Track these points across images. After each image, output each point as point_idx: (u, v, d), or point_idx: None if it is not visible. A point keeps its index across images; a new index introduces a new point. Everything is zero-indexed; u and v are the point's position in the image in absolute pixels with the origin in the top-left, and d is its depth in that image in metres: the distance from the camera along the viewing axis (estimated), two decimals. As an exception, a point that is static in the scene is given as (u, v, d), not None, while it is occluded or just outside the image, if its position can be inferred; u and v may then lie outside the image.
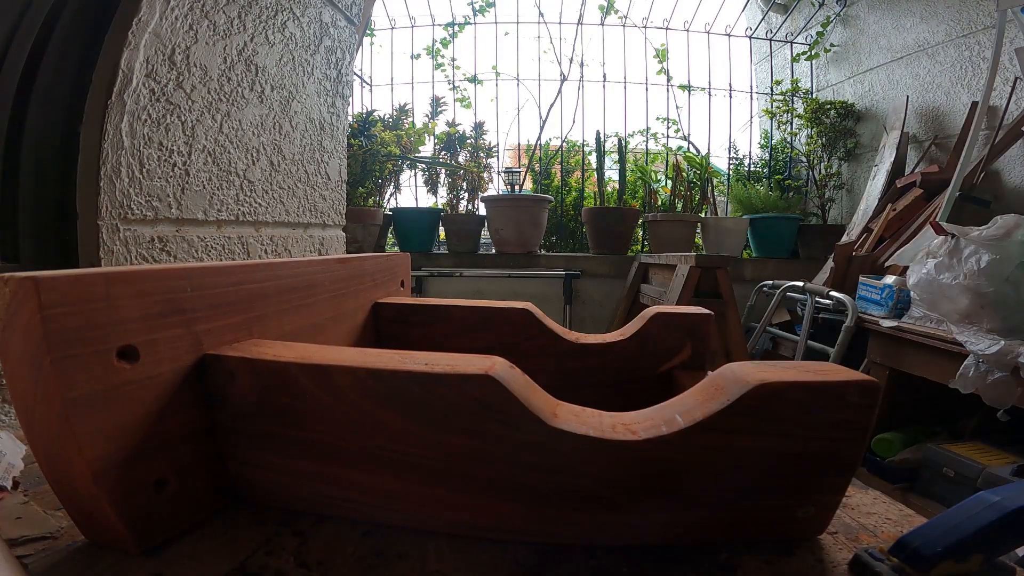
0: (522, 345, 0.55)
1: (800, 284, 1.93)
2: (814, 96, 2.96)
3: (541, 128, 2.96)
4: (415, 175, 2.94)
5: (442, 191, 2.87)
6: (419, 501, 0.34)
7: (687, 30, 3.01)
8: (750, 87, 3.18)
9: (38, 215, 0.74)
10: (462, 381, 0.31)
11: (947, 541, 0.27)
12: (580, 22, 2.92)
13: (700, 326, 0.53)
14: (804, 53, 2.96)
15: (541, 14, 2.89)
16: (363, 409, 0.32)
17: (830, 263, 1.97)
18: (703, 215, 2.74)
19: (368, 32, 2.92)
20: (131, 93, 0.76)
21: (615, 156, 2.82)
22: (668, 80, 3.00)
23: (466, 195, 2.82)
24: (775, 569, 0.31)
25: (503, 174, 2.95)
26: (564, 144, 3.03)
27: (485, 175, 2.88)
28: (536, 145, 2.96)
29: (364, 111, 2.78)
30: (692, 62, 3.02)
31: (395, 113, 2.84)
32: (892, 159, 2.23)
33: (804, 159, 2.86)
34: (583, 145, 3.04)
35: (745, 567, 0.31)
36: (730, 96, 3.06)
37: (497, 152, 2.98)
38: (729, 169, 3.10)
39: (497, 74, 3.01)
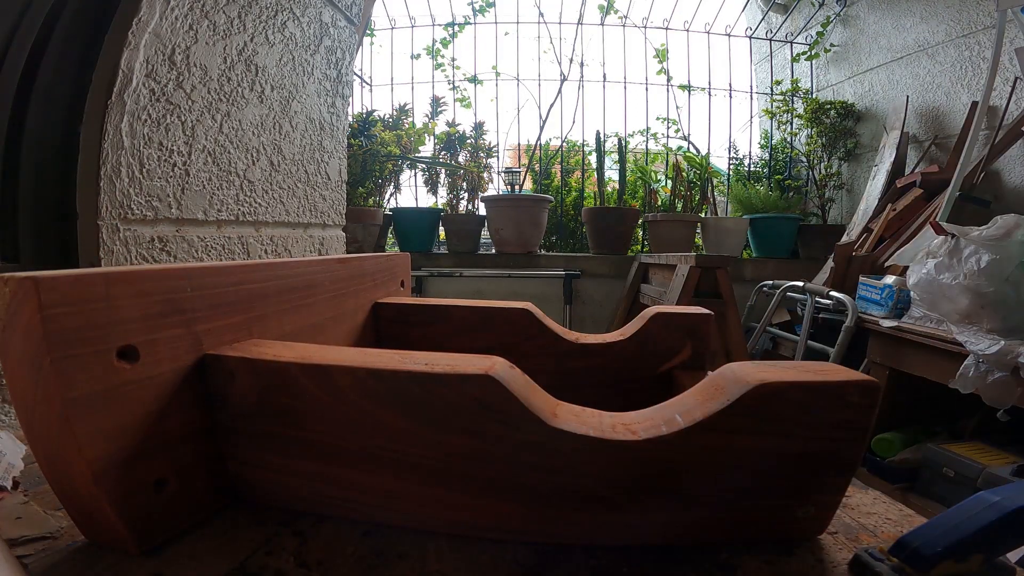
0: (522, 345, 0.55)
1: (800, 284, 1.93)
2: (814, 96, 2.96)
3: (541, 128, 2.96)
4: (415, 175, 2.94)
5: (442, 191, 2.87)
6: (419, 501, 0.34)
7: (687, 30, 3.01)
8: (750, 87, 3.18)
9: (38, 215, 0.74)
10: (462, 381, 0.31)
11: (947, 541, 0.27)
12: (580, 22, 2.92)
13: (700, 326, 0.53)
14: (804, 53, 2.96)
15: (541, 14, 2.89)
16: (363, 409, 0.32)
17: (830, 263, 1.97)
18: (703, 215, 2.74)
19: (368, 32, 2.92)
20: (131, 93, 0.76)
21: (615, 156, 2.82)
22: (668, 80, 3.00)
23: (466, 195, 2.82)
24: (775, 569, 0.31)
25: (503, 174, 2.95)
26: (564, 144, 3.03)
27: (485, 175, 2.87)
28: (536, 145, 2.96)
29: (364, 111, 2.78)
30: (692, 62, 3.02)
31: (395, 113, 2.84)
32: (892, 159, 2.23)
33: (804, 159, 2.86)
34: (583, 145, 3.04)
35: (745, 567, 0.31)
36: (730, 96, 3.06)
37: (497, 152, 2.98)
38: (729, 169, 3.10)
39: (497, 74, 3.01)
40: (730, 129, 3.08)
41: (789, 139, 3.00)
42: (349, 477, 0.34)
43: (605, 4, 2.93)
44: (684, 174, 2.79)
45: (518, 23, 2.97)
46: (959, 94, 2.12)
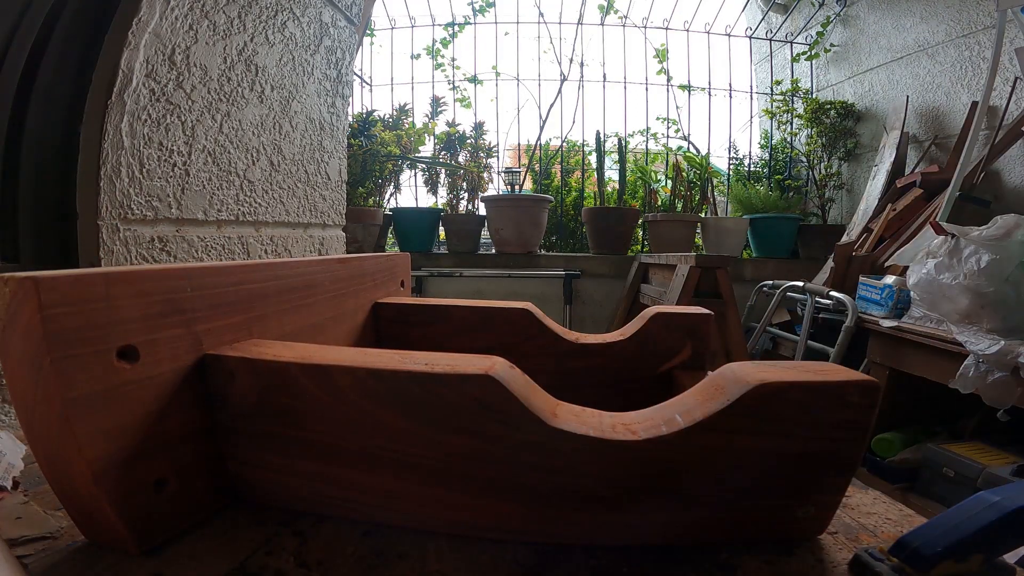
0: (522, 345, 0.55)
1: (800, 284, 1.93)
2: (814, 96, 2.96)
3: (541, 128, 2.96)
4: (415, 175, 2.94)
5: (442, 191, 2.87)
6: (419, 501, 0.34)
7: (687, 30, 3.01)
8: (750, 87, 3.18)
9: (38, 215, 0.74)
10: (462, 381, 0.31)
11: (947, 541, 0.27)
12: (580, 22, 2.92)
13: (700, 326, 0.53)
14: (804, 53, 2.96)
15: (541, 14, 2.89)
16: (363, 409, 0.32)
17: (830, 263, 1.97)
18: (703, 215, 2.74)
19: (368, 32, 2.92)
20: (131, 93, 0.76)
21: (615, 156, 2.82)
22: (668, 80, 3.00)
23: (466, 195, 2.82)
24: (775, 569, 0.31)
25: (503, 174, 2.95)
26: (564, 144, 3.03)
27: (485, 175, 2.88)
28: (536, 145, 2.96)
29: (364, 111, 2.78)
30: (692, 62, 3.02)
31: (395, 113, 2.84)
32: (892, 159, 2.23)
33: (804, 159, 2.86)
34: (583, 145, 3.04)
35: (745, 567, 0.31)
36: (730, 96, 3.06)
37: (497, 152, 2.98)
38: (729, 169, 3.10)
39: (497, 74, 3.01)
40: (730, 129, 3.08)
41: (789, 139, 3.00)
42: (349, 477, 0.34)
43: (605, 4, 2.93)
44: (684, 174, 2.79)
45: (518, 23, 2.98)
46: (959, 94, 2.12)
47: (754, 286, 2.30)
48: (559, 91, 2.93)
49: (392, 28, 3.07)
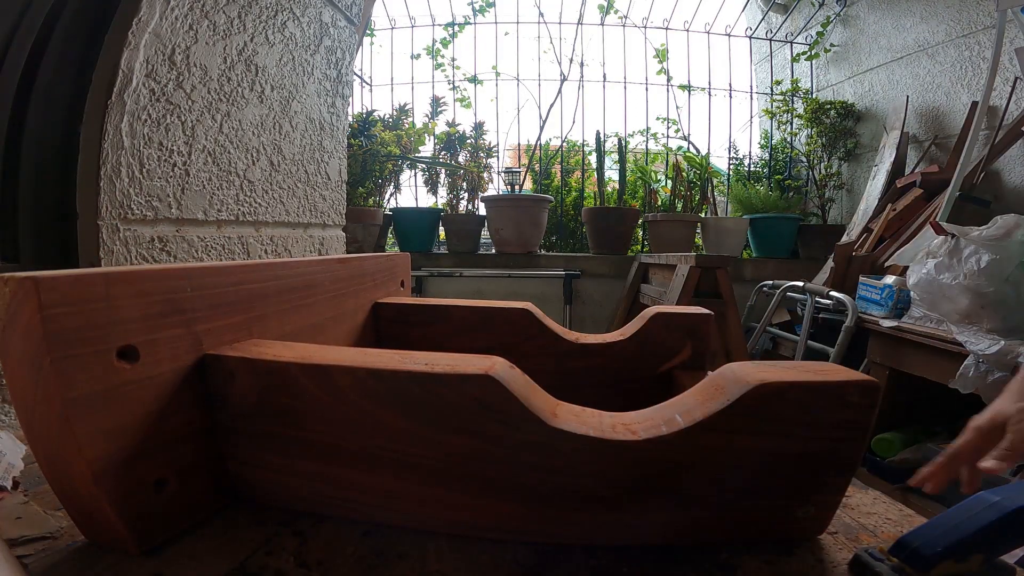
0: (522, 345, 0.55)
1: (800, 284, 1.93)
2: (814, 96, 2.96)
3: (541, 128, 2.96)
4: (415, 175, 2.94)
5: (442, 191, 2.87)
6: (419, 501, 0.34)
7: (687, 30, 3.00)
8: (750, 87, 3.18)
9: (38, 215, 0.74)
10: (462, 381, 0.31)
11: (947, 541, 0.27)
12: (580, 22, 2.92)
13: (700, 326, 0.53)
14: (804, 53, 2.96)
15: (541, 14, 2.89)
16: (363, 409, 0.32)
17: (830, 263, 1.97)
18: (703, 215, 2.74)
19: (368, 32, 2.92)
20: (131, 93, 0.76)
21: (615, 156, 2.81)
22: (668, 80, 3.00)
23: (466, 195, 2.82)
24: (775, 569, 0.31)
25: (503, 174, 2.95)
26: (564, 144, 3.03)
27: (485, 175, 2.87)
28: (536, 145, 2.96)
29: (364, 111, 2.78)
30: (692, 62, 3.02)
31: (395, 113, 2.84)
32: (892, 159, 2.23)
33: (804, 159, 2.86)
34: (583, 145, 3.04)
35: (745, 567, 0.31)
36: (730, 96, 3.06)
37: (497, 152, 2.98)
38: (729, 169, 3.09)
39: (497, 74, 3.01)
40: (730, 129, 3.08)
41: (789, 139, 3.00)
42: (349, 477, 0.34)
43: (605, 4, 2.93)
44: (684, 174, 2.79)
45: (518, 23, 2.97)
46: (959, 94, 2.11)
47: (754, 286, 2.30)
48: (559, 91, 2.93)
49: (392, 28, 3.07)
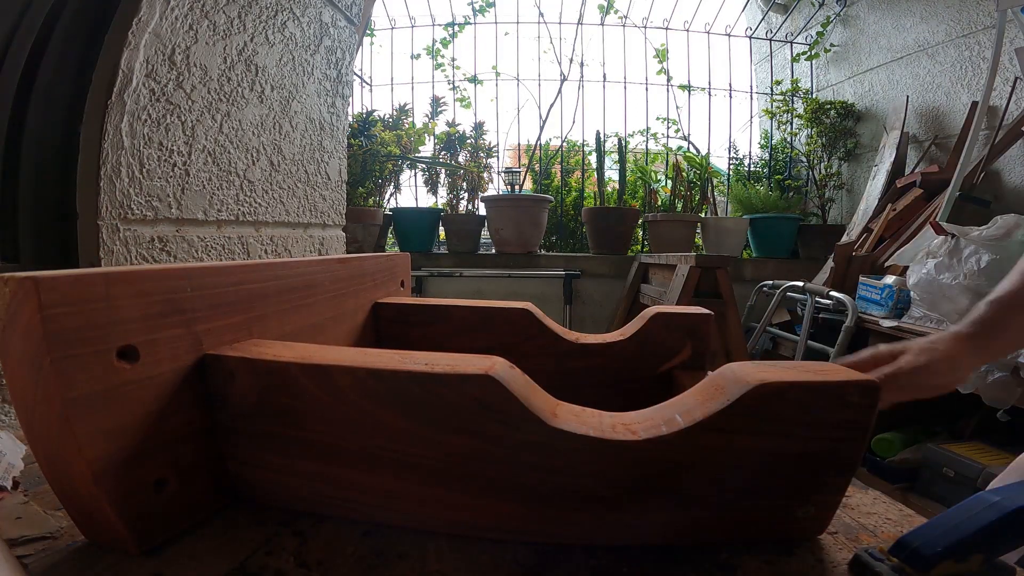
0: (522, 345, 0.55)
1: (800, 284, 1.93)
2: (814, 96, 2.96)
3: (541, 128, 2.96)
4: (415, 175, 2.94)
5: (442, 191, 2.87)
6: (419, 501, 0.34)
7: (687, 30, 3.00)
8: (750, 87, 3.18)
9: (38, 215, 0.74)
10: (462, 381, 0.31)
11: (947, 541, 0.27)
12: (580, 22, 2.92)
13: (700, 326, 0.53)
14: (804, 53, 2.96)
15: (541, 14, 2.89)
16: (363, 409, 0.32)
17: (830, 263, 1.97)
18: (703, 215, 2.74)
19: (368, 32, 2.92)
20: (131, 93, 0.76)
21: (615, 156, 2.81)
22: (668, 80, 3.00)
23: (466, 195, 2.82)
24: (775, 569, 0.31)
25: (503, 174, 2.95)
26: (564, 144, 3.03)
27: (485, 175, 2.87)
28: (536, 145, 2.96)
29: (364, 111, 2.78)
30: (692, 62, 3.02)
31: (395, 113, 2.84)
32: (892, 159, 2.23)
33: (804, 159, 2.86)
34: (583, 145, 3.04)
35: (745, 567, 0.31)
36: (730, 96, 3.06)
37: (497, 152, 2.98)
38: (729, 169, 3.09)
39: (497, 74, 3.01)
40: (730, 129, 3.08)
41: (789, 139, 3.00)
42: (349, 477, 0.34)
43: (605, 4, 2.93)
44: (684, 174, 2.79)
45: (518, 23, 2.97)
46: (959, 94, 2.11)
47: (754, 286, 2.30)
48: (559, 91, 2.93)
49: (392, 28, 3.07)
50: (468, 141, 2.82)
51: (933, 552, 0.27)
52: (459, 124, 2.83)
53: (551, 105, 2.93)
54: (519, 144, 3.14)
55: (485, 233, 2.71)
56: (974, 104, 1.92)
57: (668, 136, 3.05)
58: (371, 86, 3.12)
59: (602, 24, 2.98)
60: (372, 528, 0.35)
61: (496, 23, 2.99)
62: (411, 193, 3.01)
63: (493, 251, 2.66)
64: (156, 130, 0.81)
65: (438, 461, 0.32)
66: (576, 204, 2.95)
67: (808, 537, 0.34)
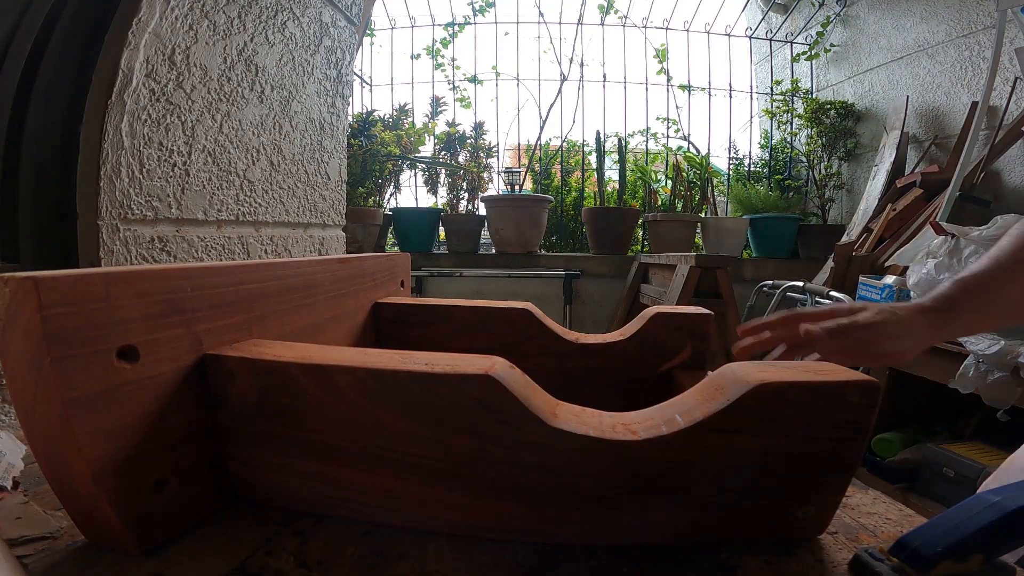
0: (522, 345, 0.55)
1: (800, 284, 1.93)
2: (814, 96, 2.96)
3: (541, 128, 2.96)
4: (415, 175, 2.94)
5: (442, 191, 2.87)
6: (419, 501, 0.34)
7: (687, 30, 3.00)
8: (750, 87, 3.18)
9: (38, 215, 0.74)
10: (462, 381, 0.31)
11: (947, 541, 0.27)
12: (580, 22, 2.92)
13: (700, 326, 0.53)
14: (804, 53, 2.96)
15: (541, 14, 2.89)
16: (363, 409, 0.32)
17: (830, 263, 1.97)
18: (703, 215, 2.74)
19: (368, 32, 2.92)
20: (131, 93, 0.76)
21: (615, 156, 2.81)
22: (668, 80, 3.00)
23: (466, 195, 2.82)
24: (775, 569, 0.31)
25: (503, 174, 2.95)
26: (564, 144, 3.03)
27: (485, 175, 2.87)
28: (536, 145, 2.96)
29: (364, 111, 2.78)
30: (692, 62, 3.02)
31: (395, 113, 2.84)
32: (892, 159, 2.23)
33: (804, 159, 2.86)
34: (583, 145, 3.04)
35: (745, 567, 0.31)
36: (730, 96, 3.06)
37: (497, 152, 2.98)
38: (729, 169, 3.09)
39: (497, 74, 3.01)
40: (730, 129, 3.08)
41: (789, 139, 3.00)
42: (349, 477, 0.34)
43: (605, 4, 2.93)
44: (684, 174, 2.79)
45: (518, 23, 2.97)
46: (959, 94, 2.11)
47: (754, 286, 2.30)
48: (559, 91, 2.93)
49: (392, 28, 3.07)
50: (468, 141, 2.82)
51: (933, 552, 0.27)
52: (459, 124, 2.83)
53: (551, 105, 2.93)
54: (519, 144, 3.14)
55: (485, 233, 2.71)
56: (974, 104, 1.92)
57: (668, 136, 3.05)
58: (371, 86, 3.12)
59: (602, 24, 2.98)
60: (372, 528, 0.35)
61: (496, 23, 2.99)
62: (411, 193, 3.01)
63: (493, 251, 2.66)
64: (156, 130, 0.81)
65: (438, 461, 0.32)
66: (576, 204, 2.95)
67: (808, 537, 0.34)
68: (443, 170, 2.82)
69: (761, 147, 3.13)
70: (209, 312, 0.35)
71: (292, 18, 1.05)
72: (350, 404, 0.32)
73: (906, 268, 1.52)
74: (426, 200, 2.96)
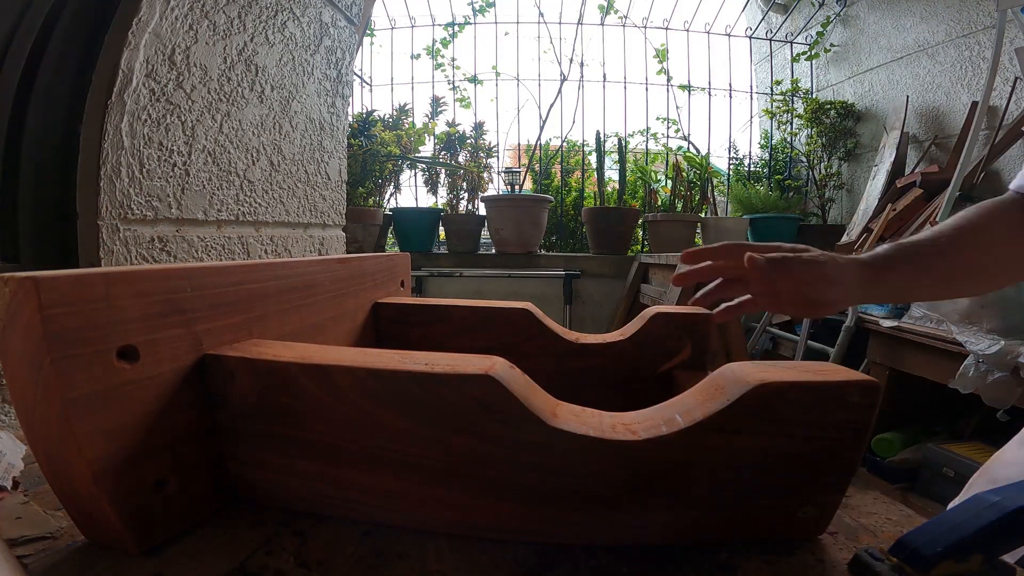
0: (522, 345, 0.55)
1: (800, 284, 1.93)
2: (814, 96, 2.96)
3: (541, 128, 2.96)
4: (415, 175, 2.94)
5: (442, 191, 2.87)
6: (419, 501, 0.34)
7: (687, 30, 3.00)
8: (750, 87, 3.18)
9: (38, 215, 0.74)
10: (462, 381, 0.31)
11: (947, 541, 0.27)
12: (580, 22, 2.92)
13: (700, 326, 0.53)
14: (804, 53, 2.96)
15: (541, 14, 2.89)
16: (363, 409, 0.32)
17: (830, 263, 1.97)
18: (703, 215, 2.74)
19: (368, 32, 2.92)
20: (131, 93, 0.76)
21: (615, 156, 2.82)
22: (668, 80, 3.00)
23: (466, 195, 2.82)
24: (775, 569, 0.31)
25: (503, 174, 2.95)
26: (564, 144, 3.03)
27: (485, 175, 2.87)
28: (536, 145, 2.96)
29: (364, 111, 2.78)
30: (692, 62, 3.02)
31: (395, 113, 2.84)
32: (892, 159, 2.23)
33: (804, 159, 2.86)
34: (583, 145, 3.04)
35: (745, 567, 0.31)
36: (730, 96, 3.06)
37: (497, 152, 2.98)
38: (729, 169, 3.10)
39: (497, 74, 3.01)
40: (730, 129, 3.08)
41: (789, 139, 3.00)
42: (349, 477, 0.34)
43: (605, 4, 2.93)
44: (684, 174, 2.79)
45: (518, 23, 2.97)
46: (959, 94, 2.11)
47: (754, 286, 2.30)
48: (559, 91, 2.93)
49: (392, 28, 3.07)
50: (468, 141, 2.82)
51: (933, 552, 0.27)
52: (459, 124, 2.83)
53: (551, 105, 2.93)
54: (519, 144, 3.14)
55: (485, 233, 2.71)
56: (974, 104, 1.92)
57: (668, 136, 3.06)
58: (371, 86, 3.12)
59: (602, 24, 2.98)
60: (372, 528, 0.35)
61: (496, 23, 2.99)
62: (411, 193, 3.02)
63: (493, 251, 2.66)
64: (156, 130, 0.81)
65: (438, 461, 0.32)
66: (576, 204, 2.95)
67: (808, 537, 0.34)
68: (443, 170, 2.82)
69: (761, 147, 3.13)
70: (209, 312, 0.35)
71: (292, 18, 1.05)
72: (350, 404, 0.32)
73: (906, 268, 1.51)
74: (426, 200, 2.97)
